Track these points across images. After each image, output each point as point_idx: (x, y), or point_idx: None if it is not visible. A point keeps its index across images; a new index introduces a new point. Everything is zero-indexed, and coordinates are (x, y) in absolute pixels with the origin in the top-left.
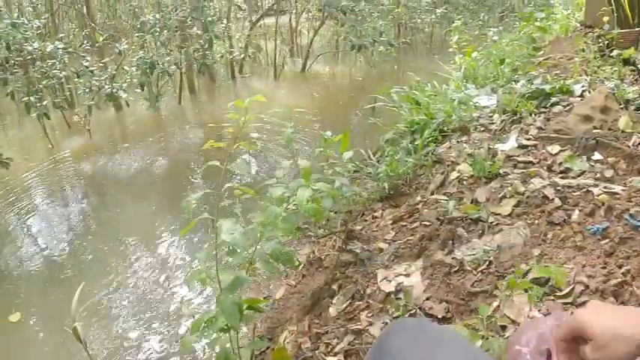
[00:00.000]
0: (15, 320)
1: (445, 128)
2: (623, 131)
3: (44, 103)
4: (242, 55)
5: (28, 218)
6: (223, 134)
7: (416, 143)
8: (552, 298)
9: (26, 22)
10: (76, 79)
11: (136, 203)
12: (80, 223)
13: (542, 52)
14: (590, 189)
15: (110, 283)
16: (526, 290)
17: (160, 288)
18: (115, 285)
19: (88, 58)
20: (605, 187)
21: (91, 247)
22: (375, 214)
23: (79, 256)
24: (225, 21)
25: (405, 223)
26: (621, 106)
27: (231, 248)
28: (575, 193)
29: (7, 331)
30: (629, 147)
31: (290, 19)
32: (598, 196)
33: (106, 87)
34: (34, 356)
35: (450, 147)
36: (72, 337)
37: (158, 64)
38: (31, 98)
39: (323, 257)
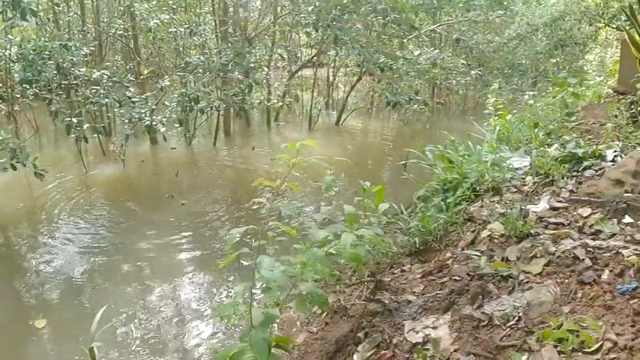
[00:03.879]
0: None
1: (478, 188)
2: None
3: (84, 127)
4: (279, 104)
5: (55, 236)
6: (254, 178)
7: (448, 201)
8: (581, 353)
9: (75, 47)
10: (117, 109)
11: (161, 236)
12: (105, 248)
13: (575, 118)
14: (620, 250)
15: (128, 309)
16: (556, 346)
17: (181, 319)
18: (133, 312)
19: (132, 89)
20: (635, 249)
21: (113, 271)
22: (404, 267)
23: (100, 280)
24: (265, 69)
25: (434, 278)
26: None
27: (268, 285)
28: (605, 254)
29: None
30: None
31: (328, 73)
32: (628, 257)
33: (146, 119)
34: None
35: (482, 206)
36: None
37: (199, 101)
38: (73, 120)
39: (348, 306)
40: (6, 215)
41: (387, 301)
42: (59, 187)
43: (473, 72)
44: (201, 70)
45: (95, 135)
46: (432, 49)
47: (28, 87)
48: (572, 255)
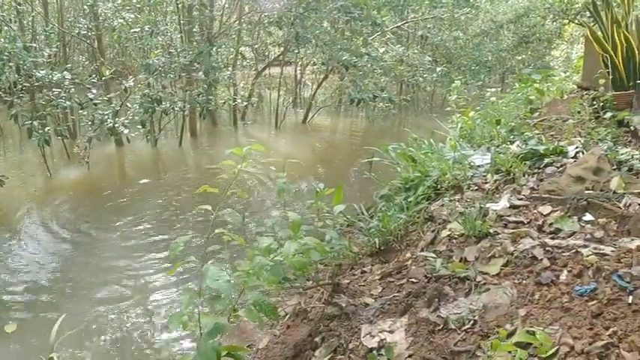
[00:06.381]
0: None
1: (439, 186)
2: (614, 192)
3: (46, 129)
4: (245, 103)
5: (18, 243)
6: (220, 179)
7: (409, 200)
8: (536, 358)
9: (38, 48)
10: (80, 111)
11: (125, 240)
12: (68, 254)
13: (538, 114)
14: (579, 250)
15: (92, 315)
16: (510, 352)
17: (142, 326)
18: (97, 318)
19: (94, 91)
20: (594, 248)
21: (76, 278)
22: (365, 268)
23: (64, 285)
24: (230, 68)
25: (392, 279)
26: (614, 168)
27: (215, 294)
28: (564, 254)
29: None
30: (620, 208)
31: (295, 71)
32: (587, 256)
33: (109, 121)
34: None
35: (442, 205)
36: None
37: (161, 102)
38: (35, 123)
39: (309, 309)
40: None
41: (344, 305)
42: (23, 192)
43: (439, 68)
44: (162, 71)
45: (59, 137)
46: (399, 46)
47: None
48: (530, 255)
